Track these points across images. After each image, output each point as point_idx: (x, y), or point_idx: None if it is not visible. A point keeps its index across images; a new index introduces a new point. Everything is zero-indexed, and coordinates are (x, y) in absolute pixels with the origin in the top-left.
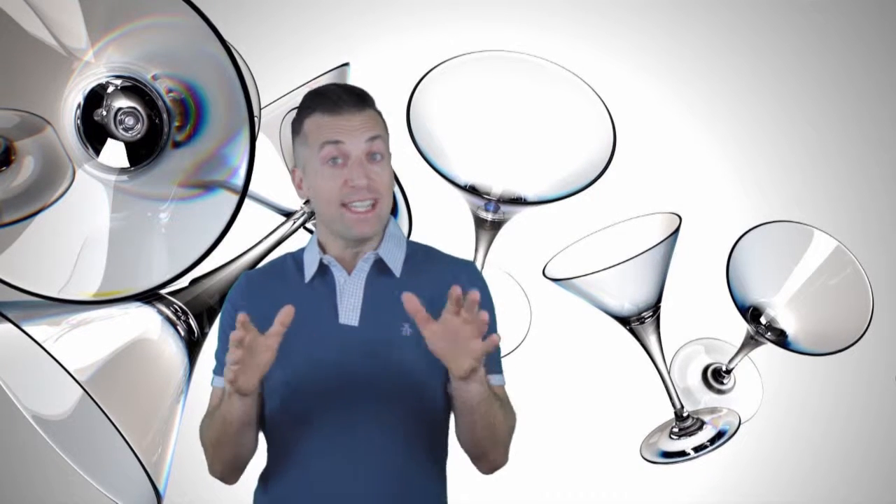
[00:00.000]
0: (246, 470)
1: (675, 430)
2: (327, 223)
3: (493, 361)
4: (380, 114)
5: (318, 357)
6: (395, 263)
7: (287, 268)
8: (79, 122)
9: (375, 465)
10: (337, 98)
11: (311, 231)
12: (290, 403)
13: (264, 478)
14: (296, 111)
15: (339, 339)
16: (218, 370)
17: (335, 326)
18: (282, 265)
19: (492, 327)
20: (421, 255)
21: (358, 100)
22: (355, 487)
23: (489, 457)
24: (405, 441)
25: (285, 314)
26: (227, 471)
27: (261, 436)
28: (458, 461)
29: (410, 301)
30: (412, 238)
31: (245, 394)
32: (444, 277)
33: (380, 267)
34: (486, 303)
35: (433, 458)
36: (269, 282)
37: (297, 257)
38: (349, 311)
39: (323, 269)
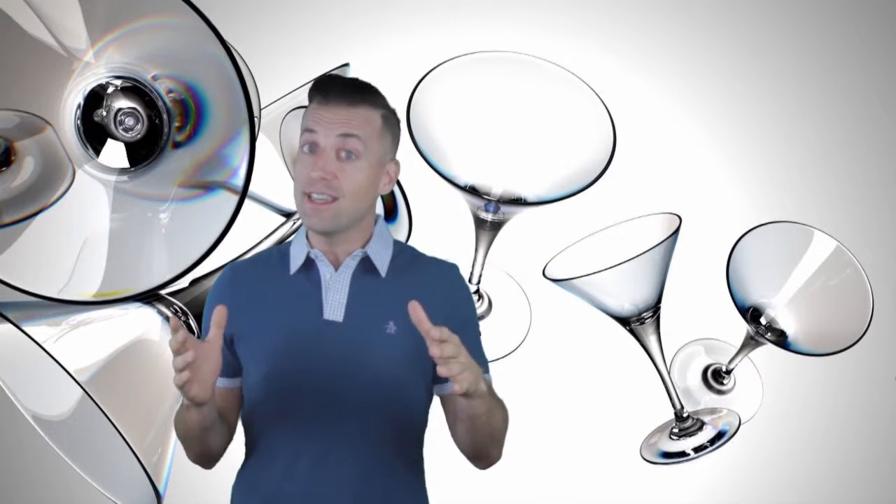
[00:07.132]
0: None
1: (675, 430)
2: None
3: (478, 360)
4: (385, 116)
5: (300, 351)
6: (382, 263)
7: (272, 259)
8: (79, 122)
9: (352, 462)
10: (331, 89)
11: None
12: (271, 396)
13: (242, 471)
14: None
15: (322, 333)
16: None
17: (319, 321)
18: (267, 257)
19: (472, 324)
20: (406, 256)
21: (351, 94)
22: (330, 482)
23: (490, 456)
24: (383, 437)
25: (219, 315)
26: (200, 461)
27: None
28: (456, 462)
29: (416, 310)
30: (412, 239)
31: (200, 404)
32: (428, 279)
33: (366, 265)
34: (466, 302)
35: (411, 455)
36: (254, 273)
37: (282, 250)
38: (334, 306)
39: (308, 264)
